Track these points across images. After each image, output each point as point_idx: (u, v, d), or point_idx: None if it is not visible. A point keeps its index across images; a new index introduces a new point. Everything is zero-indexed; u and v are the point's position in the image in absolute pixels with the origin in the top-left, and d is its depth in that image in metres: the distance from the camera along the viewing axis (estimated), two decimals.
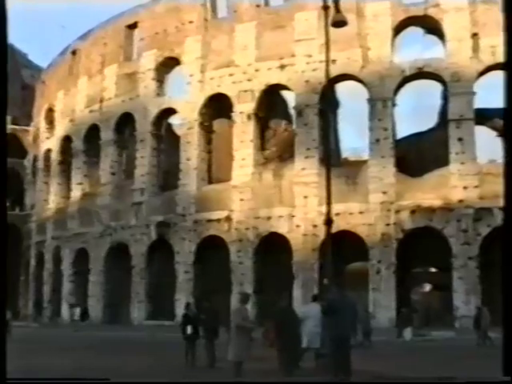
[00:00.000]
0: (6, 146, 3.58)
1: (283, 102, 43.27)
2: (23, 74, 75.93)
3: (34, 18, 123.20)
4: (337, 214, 25.62)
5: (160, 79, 43.47)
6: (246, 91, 38.08)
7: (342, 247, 24.55)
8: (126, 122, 44.57)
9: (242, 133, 37.98)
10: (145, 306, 40.82)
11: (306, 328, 13.90)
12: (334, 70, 29.65)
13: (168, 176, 42.28)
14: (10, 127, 61.68)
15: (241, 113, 38.13)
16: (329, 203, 14.46)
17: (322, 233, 24.80)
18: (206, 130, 40.75)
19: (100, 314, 43.29)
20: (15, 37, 76.31)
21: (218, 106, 40.25)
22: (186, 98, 41.13)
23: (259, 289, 35.60)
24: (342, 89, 41.42)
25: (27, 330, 36.39)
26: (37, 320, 47.38)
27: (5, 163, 3.61)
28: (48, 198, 52.56)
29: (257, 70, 38.03)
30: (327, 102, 34.76)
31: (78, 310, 45.03)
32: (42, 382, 5.34)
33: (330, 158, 21.54)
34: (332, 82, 31.72)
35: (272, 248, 35.20)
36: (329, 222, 14.41)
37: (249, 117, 37.97)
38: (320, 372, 13.29)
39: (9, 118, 63.29)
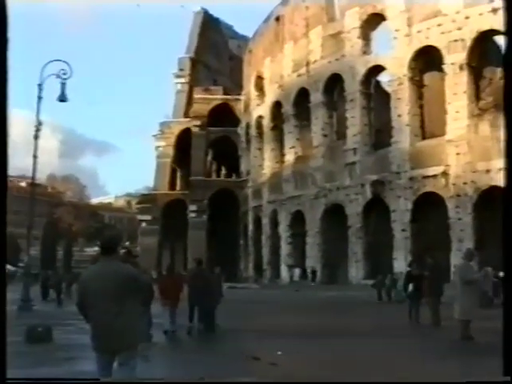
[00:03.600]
0: (7, 144, 3.82)
1: (497, 49, 42.34)
2: (230, 46, 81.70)
3: None
4: None
5: (365, 37, 44.77)
6: (456, 41, 37.93)
7: None
8: (334, 83, 46.79)
9: (455, 84, 38.04)
10: (362, 266, 42.79)
11: None
12: None
13: (380, 134, 43.70)
14: (221, 97, 67.52)
15: (452, 64, 38.13)
16: None
17: None
18: (417, 84, 41.28)
19: (319, 274, 46.33)
20: (221, 10, 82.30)
21: (427, 59, 40.61)
22: (393, 54, 41.90)
23: (480, 246, 35.56)
24: None
25: (249, 292, 39.25)
26: (257, 282, 51.48)
27: (6, 159, 3.82)
28: (262, 164, 56.94)
29: (467, 18, 37.51)
30: None
31: (296, 271, 48.79)
32: (41, 381, 5.68)
33: None
34: None
35: (492, 203, 35.09)
36: None
37: (461, 67, 37.89)
38: None
39: (220, 89, 69.26)
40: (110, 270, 5.68)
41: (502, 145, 4.05)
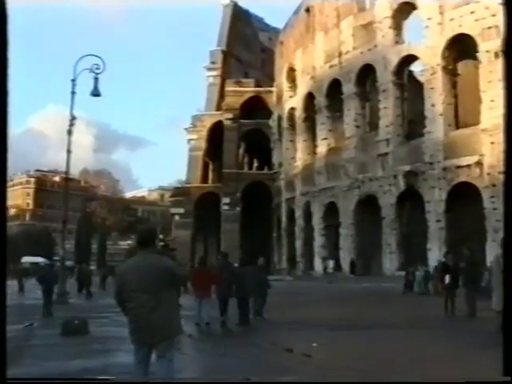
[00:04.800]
0: (6, 144, 3.89)
1: None
2: (261, 38, 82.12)
3: None
4: None
5: (397, 26, 44.78)
6: (490, 28, 37.65)
7: None
8: (366, 73, 46.93)
9: (490, 73, 37.79)
10: (396, 257, 42.86)
11: None
12: None
13: (413, 124, 43.76)
14: (253, 89, 68.02)
15: (487, 51, 37.85)
16: None
17: None
18: (450, 73, 41.15)
19: (348, 266, 46.54)
20: (250, 2, 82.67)
21: (460, 48, 40.47)
22: (425, 43, 41.79)
23: None
24: None
25: (283, 284, 38.86)
26: (291, 273, 51.82)
27: (5, 159, 3.90)
28: (295, 156, 57.32)
29: (501, 3, 37.38)
30: None
31: (330, 263, 49.18)
32: (42, 381, 5.70)
33: None
34: None
35: None
36: None
37: (496, 55, 37.68)
38: None
39: (252, 81, 69.77)
40: (148, 263, 5.78)
41: None
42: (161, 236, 72.46)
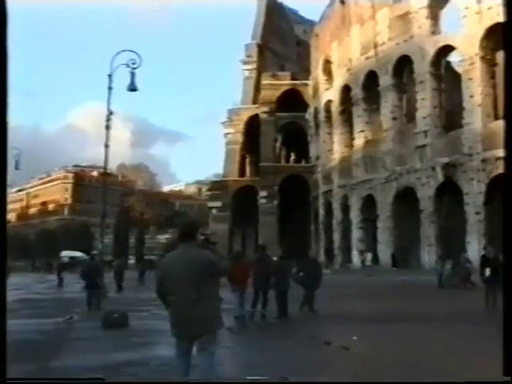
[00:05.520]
0: (6, 144, 3.80)
1: None
2: (296, 31, 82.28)
3: None
4: None
5: (433, 16, 44.43)
6: None
7: None
8: (402, 64, 46.75)
9: None
10: (435, 250, 42.41)
11: None
12: None
13: (451, 116, 43.43)
14: (289, 82, 68.32)
15: None
16: None
17: None
18: (489, 63, 40.55)
19: (389, 259, 46.46)
20: None
21: (499, 37, 40.12)
22: (463, 33, 41.35)
23: None
24: None
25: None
26: (328, 267, 51.71)
27: (5, 158, 3.82)
28: (332, 148, 57.41)
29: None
30: None
31: (368, 256, 49.29)
32: (42, 381, 5.75)
33: None
34: None
35: None
36: None
37: None
38: None
39: (288, 74, 70.08)
40: (189, 256, 5.83)
41: None
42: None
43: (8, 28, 4.10)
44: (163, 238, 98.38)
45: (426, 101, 43.77)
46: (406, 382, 6.55)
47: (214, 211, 71.05)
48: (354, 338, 11.90)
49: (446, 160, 41.64)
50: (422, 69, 44.03)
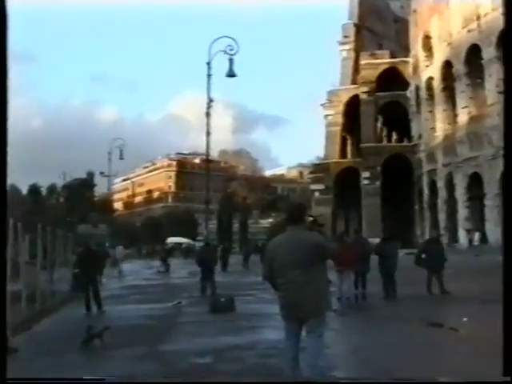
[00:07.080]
0: (6, 144, 3.82)
1: None
2: (393, 8, 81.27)
3: None
4: None
5: None
6: None
7: None
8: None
9: None
10: None
11: None
12: None
13: None
14: (388, 61, 67.81)
15: None
16: None
17: None
18: None
19: (499, 238, 45.67)
20: None
21: None
22: None
23: None
24: None
25: None
26: None
27: (5, 159, 3.83)
28: (434, 126, 56.54)
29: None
30: None
31: (476, 235, 48.54)
32: (42, 381, 5.72)
33: None
34: None
35: None
36: None
37: None
38: None
39: (386, 53, 69.54)
40: (298, 238, 5.84)
41: None
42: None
43: (8, 28, 4.02)
44: (266, 222, 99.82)
45: None
46: (403, 382, 6.40)
47: (316, 194, 71.72)
48: (465, 319, 11.88)
49: None
50: None
